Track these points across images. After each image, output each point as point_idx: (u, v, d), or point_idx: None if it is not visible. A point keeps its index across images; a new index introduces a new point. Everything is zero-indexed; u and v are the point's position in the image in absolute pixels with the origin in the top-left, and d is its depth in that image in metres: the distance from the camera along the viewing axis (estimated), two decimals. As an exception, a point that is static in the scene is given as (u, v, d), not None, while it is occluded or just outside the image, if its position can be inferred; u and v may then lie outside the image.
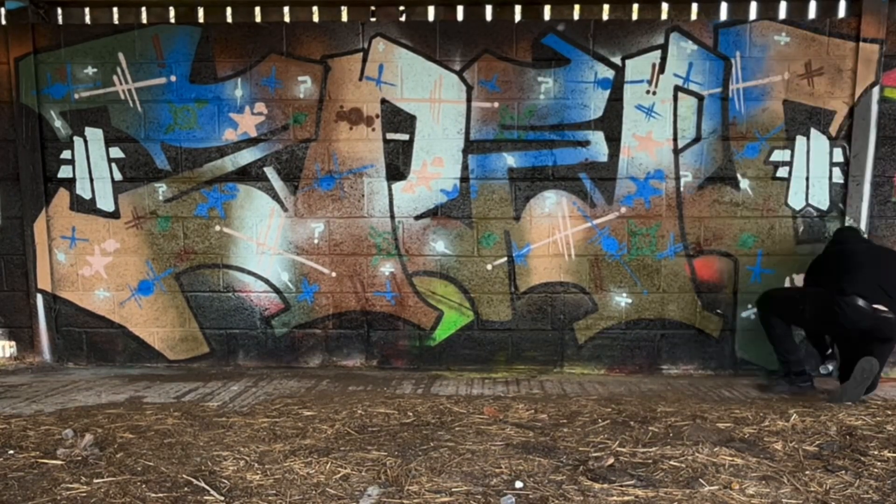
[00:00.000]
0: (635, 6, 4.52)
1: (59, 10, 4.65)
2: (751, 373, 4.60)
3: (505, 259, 4.61)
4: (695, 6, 4.52)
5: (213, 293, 4.70)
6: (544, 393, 4.07)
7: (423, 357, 4.71)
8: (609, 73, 4.43)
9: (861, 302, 3.74)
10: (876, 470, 2.76)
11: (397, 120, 4.51)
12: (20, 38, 4.50)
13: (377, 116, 4.51)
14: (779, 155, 4.45)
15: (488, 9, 4.55)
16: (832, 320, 3.84)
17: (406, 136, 4.52)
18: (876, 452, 2.96)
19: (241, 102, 4.53)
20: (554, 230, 4.57)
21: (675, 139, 4.46)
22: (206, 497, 2.48)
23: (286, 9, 4.58)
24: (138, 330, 4.77)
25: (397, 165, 4.55)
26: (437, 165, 4.54)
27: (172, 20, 4.58)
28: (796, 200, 4.49)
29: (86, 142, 4.60)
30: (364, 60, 4.48)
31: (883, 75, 4.33)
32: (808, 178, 4.46)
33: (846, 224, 4.39)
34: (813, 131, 4.41)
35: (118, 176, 4.63)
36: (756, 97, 4.40)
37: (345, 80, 4.50)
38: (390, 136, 4.53)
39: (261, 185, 4.60)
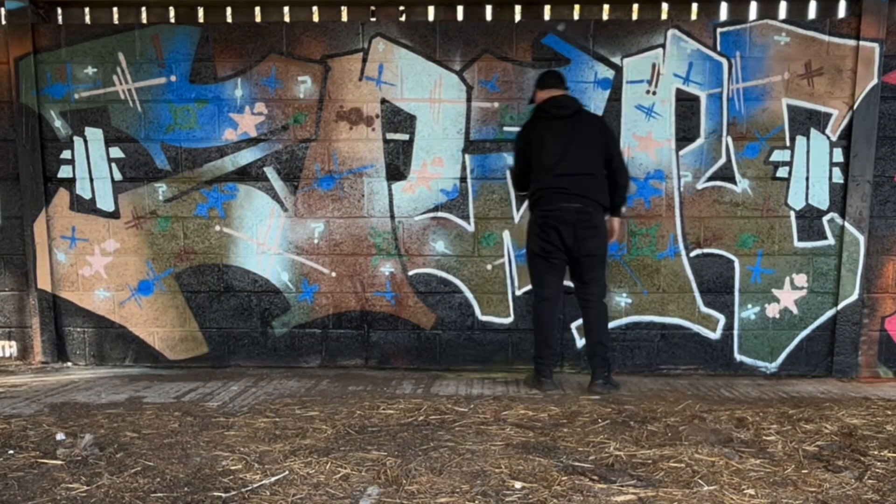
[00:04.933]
0: (635, 6, 4.52)
1: (59, 10, 4.65)
2: (751, 373, 4.61)
3: (505, 259, 4.61)
4: (695, 6, 4.53)
5: (213, 293, 4.70)
6: (544, 393, 4.06)
7: (423, 357, 4.71)
8: (609, 73, 4.43)
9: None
10: (876, 470, 2.76)
11: (397, 120, 4.51)
12: (20, 38, 4.50)
13: (377, 116, 4.51)
14: (779, 155, 4.45)
15: (488, 9, 4.55)
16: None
17: (406, 136, 4.52)
18: (876, 452, 2.96)
19: (241, 102, 4.53)
20: (554, 230, 4.56)
21: (675, 139, 4.46)
22: (205, 497, 2.48)
23: (286, 9, 4.58)
24: (138, 330, 4.77)
25: (397, 165, 4.55)
26: (437, 165, 4.54)
27: (172, 20, 4.59)
28: (796, 200, 4.49)
29: (86, 142, 4.60)
30: (364, 60, 4.48)
31: (883, 76, 4.33)
32: (808, 179, 4.46)
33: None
34: (813, 131, 4.42)
35: (118, 176, 4.63)
36: (756, 97, 4.40)
37: (345, 80, 4.50)
38: (390, 136, 4.53)
39: (261, 185, 4.60)
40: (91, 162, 4.62)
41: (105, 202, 4.66)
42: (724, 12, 4.48)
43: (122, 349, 4.79)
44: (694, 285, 4.58)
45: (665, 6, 4.50)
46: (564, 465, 2.79)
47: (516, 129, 4.45)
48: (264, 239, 4.63)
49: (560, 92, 4.00)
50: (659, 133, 4.46)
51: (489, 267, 4.62)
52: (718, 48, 4.38)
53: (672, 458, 2.87)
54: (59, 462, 2.82)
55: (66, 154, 4.62)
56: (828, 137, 4.42)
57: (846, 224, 4.45)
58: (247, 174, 4.59)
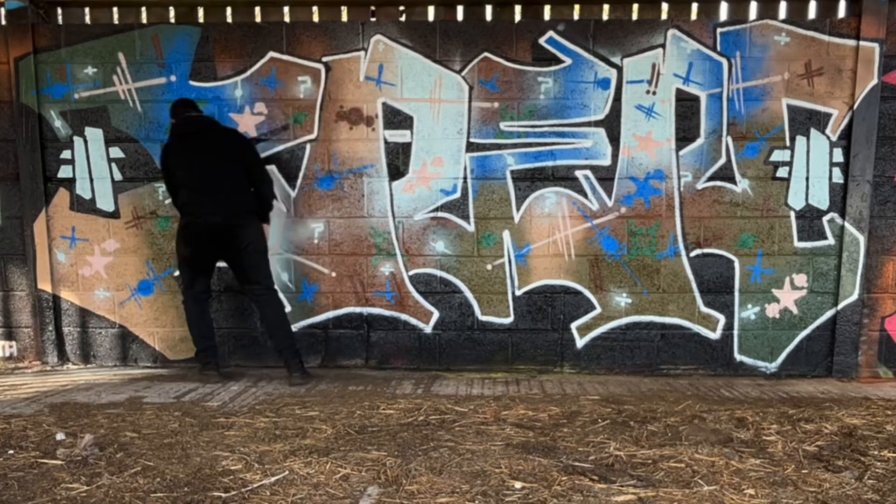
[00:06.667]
0: (635, 6, 4.52)
1: (59, 10, 4.65)
2: (751, 373, 4.61)
3: (505, 259, 4.61)
4: (695, 6, 4.52)
5: (213, 293, 4.69)
6: (544, 393, 4.07)
7: (423, 357, 4.71)
8: (609, 73, 4.43)
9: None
10: (876, 470, 2.77)
11: (397, 120, 4.51)
12: (20, 38, 4.50)
13: (377, 116, 4.51)
14: (779, 155, 4.45)
15: (488, 9, 4.55)
16: None
17: (406, 136, 4.52)
18: (876, 452, 2.96)
19: (241, 102, 4.53)
20: (554, 230, 4.57)
21: (675, 139, 4.46)
22: (205, 497, 2.48)
23: (286, 9, 4.57)
24: (138, 330, 4.77)
25: (397, 165, 4.55)
26: (437, 165, 4.54)
27: (172, 20, 4.58)
28: (796, 200, 4.49)
29: (86, 142, 4.60)
30: (364, 60, 4.48)
31: (883, 76, 4.33)
32: (807, 179, 4.46)
33: None
34: (813, 131, 4.42)
35: (118, 176, 4.63)
36: (756, 97, 4.40)
37: (345, 80, 4.50)
38: (390, 136, 4.53)
39: (261, 185, 4.60)
40: (91, 162, 4.62)
41: (105, 202, 4.66)
42: (724, 12, 4.48)
43: (122, 349, 4.79)
44: (694, 285, 4.58)
45: (665, 6, 4.50)
46: (564, 465, 2.79)
47: (516, 128, 4.46)
48: (264, 239, 4.62)
49: (193, 112, 4.20)
50: (659, 133, 4.46)
51: (489, 267, 4.62)
52: (718, 48, 4.38)
53: (672, 458, 2.87)
54: (59, 462, 2.82)
55: (66, 154, 4.62)
56: (828, 137, 4.42)
57: (846, 224, 4.45)
58: (247, 174, 4.59)
